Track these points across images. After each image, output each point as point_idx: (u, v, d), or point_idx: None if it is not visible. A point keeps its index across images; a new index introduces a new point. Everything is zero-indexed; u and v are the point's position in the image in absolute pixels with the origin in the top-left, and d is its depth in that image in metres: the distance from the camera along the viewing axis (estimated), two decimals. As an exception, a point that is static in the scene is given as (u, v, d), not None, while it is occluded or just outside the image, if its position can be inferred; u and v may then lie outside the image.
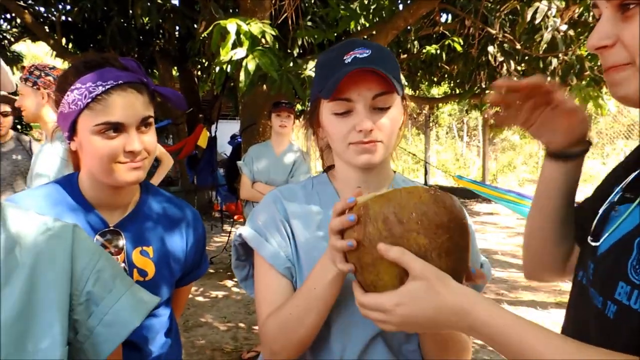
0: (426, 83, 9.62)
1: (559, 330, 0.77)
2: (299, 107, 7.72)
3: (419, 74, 8.19)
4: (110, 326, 0.84)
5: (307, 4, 5.27)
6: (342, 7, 4.30)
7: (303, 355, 1.00)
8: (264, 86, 3.97)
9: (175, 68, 8.88)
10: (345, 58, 0.92)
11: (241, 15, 3.73)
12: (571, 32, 4.40)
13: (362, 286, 0.79)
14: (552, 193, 0.89)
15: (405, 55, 6.80)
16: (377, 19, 4.90)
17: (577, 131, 0.82)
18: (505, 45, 4.96)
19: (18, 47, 9.90)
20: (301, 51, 5.29)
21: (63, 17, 6.96)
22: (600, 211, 0.79)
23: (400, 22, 4.54)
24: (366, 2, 4.66)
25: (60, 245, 0.81)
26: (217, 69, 3.23)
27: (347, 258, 0.79)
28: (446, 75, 8.21)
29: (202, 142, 6.50)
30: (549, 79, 0.77)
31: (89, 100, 1.01)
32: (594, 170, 10.89)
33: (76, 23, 6.85)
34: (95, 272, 0.84)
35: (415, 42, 6.44)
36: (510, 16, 5.15)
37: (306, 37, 4.64)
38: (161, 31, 7.52)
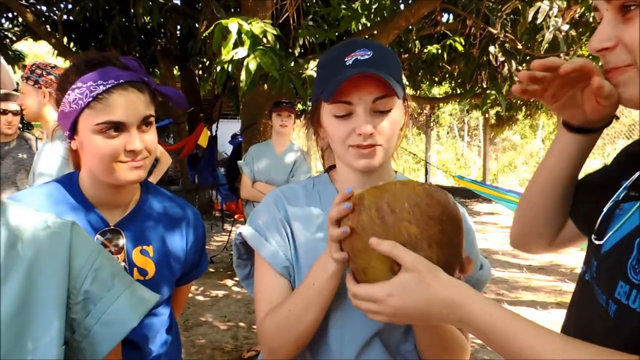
0: (427, 83, 9.62)
1: (559, 331, 0.77)
2: (300, 106, 7.72)
3: (420, 73, 8.19)
4: (108, 325, 0.83)
5: (308, 4, 5.26)
6: (344, 6, 4.30)
7: (302, 355, 1.00)
8: (265, 86, 3.97)
9: (177, 67, 8.88)
10: (346, 60, 0.92)
11: (242, 15, 3.73)
12: (573, 32, 4.39)
13: (354, 275, 0.81)
14: (561, 165, 0.88)
15: (407, 55, 6.79)
16: (379, 18, 4.89)
17: (606, 112, 0.79)
18: (507, 45, 4.95)
19: (20, 46, 9.91)
20: (302, 51, 5.29)
21: (65, 16, 6.97)
22: (605, 209, 0.78)
23: (401, 21, 4.54)
24: (367, 1, 4.65)
25: (58, 243, 0.81)
26: (218, 68, 3.23)
27: (342, 247, 0.82)
28: (447, 75, 8.20)
29: (203, 141, 6.51)
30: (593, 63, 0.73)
31: (90, 99, 1.01)
32: (595, 171, 10.86)
33: (78, 22, 6.86)
34: (93, 270, 0.83)
35: (417, 42, 6.44)
36: (511, 16, 5.14)
37: (307, 37, 4.64)
38: (162, 30, 7.52)
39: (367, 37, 5.10)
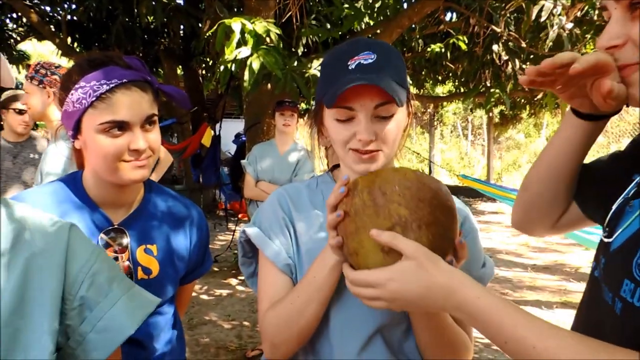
0: (431, 82, 9.59)
1: None
2: (303, 105, 7.72)
3: (423, 72, 8.17)
4: (104, 332, 0.80)
5: (311, 3, 5.26)
6: (347, 5, 4.30)
7: (304, 352, 1.00)
8: (269, 85, 3.97)
9: (180, 67, 8.89)
10: (349, 64, 0.90)
11: (245, 14, 3.73)
12: (577, 31, 4.37)
13: (347, 260, 0.84)
14: (566, 149, 0.88)
15: (410, 54, 6.78)
16: (382, 17, 4.89)
17: (614, 104, 0.77)
18: (510, 43, 4.93)
19: (24, 46, 9.94)
20: (305, 50, 5.28)
21: (68, 16, 6.99)
22: (615, 206, 0.78)
23: (404, 20, 4.53)
24: (370, 0, 4.65)
25: (54, 245, 0.78)
26: (222, 67, 3.23)
27: (338, 233, 0.84)
28: (451, 74, 8.18)
29: (207, 140, 6.50)
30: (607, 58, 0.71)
31: (94, 98, 1.01)
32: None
33: (81, 22, 6.88)
34: (90, 275, 0.81)
35: (420, 41, 6.42)
36: (515, 14, 5.12)
37: (310, 36, 4.63)
38: (166, 30, 7.53)
39: (370, 36, 5.10)
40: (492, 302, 0.70)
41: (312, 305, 0.92)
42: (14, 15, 7.55)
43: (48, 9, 7.05)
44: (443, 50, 5.56)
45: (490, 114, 12.76)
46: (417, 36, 5.98)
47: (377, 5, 4.67)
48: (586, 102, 0.81)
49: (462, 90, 8.35)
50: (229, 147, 9.25)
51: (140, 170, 1.08)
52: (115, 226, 1.14)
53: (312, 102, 1.41)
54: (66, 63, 7.02)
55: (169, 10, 5.73)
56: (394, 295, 0.74)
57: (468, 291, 0.72)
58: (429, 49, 5.79)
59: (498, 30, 4.59)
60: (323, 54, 4.22)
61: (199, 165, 7.23)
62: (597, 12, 4.39)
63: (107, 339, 0.80)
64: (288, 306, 0.94)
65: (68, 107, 1.05)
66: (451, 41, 5.22)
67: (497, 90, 5.03)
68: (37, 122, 3.98)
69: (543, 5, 3.79)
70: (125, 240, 1.14)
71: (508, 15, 4.70)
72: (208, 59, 7.78)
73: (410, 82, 8.18)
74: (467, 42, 5.20)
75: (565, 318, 4.15)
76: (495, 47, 4.99)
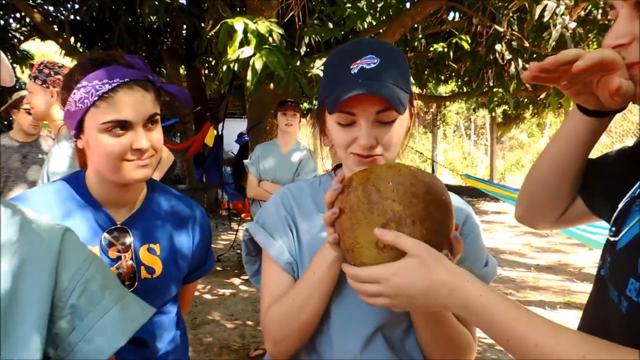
0: (433, 81, 9.58)
1: None
2: (306, 105, 7.73)
3: (426, 72, 8.16)
4: (94, 343, 0.77)
5: (314, 3, 5.27)
6: (349, 5, 4.30)
7: (307, 352, 1.00)
8: (271, 85, 3.98)
9: (183, 67, 8.91)
10: (352, 67, 0.89)
11: (248, 14, 3.73)
12: (580, 30, 4.36)
13: (345, 257, 0.84)
14: (571, 145, 0.88)
15: (413, 54, 6.78)
16: (384, 17, 4.88)
17: (620, 101, 0.76)
18: (513, 43, 4.92)
19: (27, 45, 9.97)
20: (308, 49, 5.29)
21: (72, 16, 7.01)
22: (621, 205, 0.78)
23: (407, 20, 4.53)
24: (373, 0, 4.65)
25: (46, 251, 0.76)
26: (225, 67, 3.23)
27: (335, 230, 0.85)
28: (453, 74, 8.17)
29: (209, 140, 6.51)
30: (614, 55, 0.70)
31: (96, 98, 1.01)
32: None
33: (84, 22, 6.90)
34: (82, 282, 0.78)
35: (423, 40, 6.42)
36: (518, 14, 5.11)
37: (313, 36, 4.64)
38: (169, 30, 7.55)
39: (372, 35, 5.09)
40: (496, 300, 0.70)
41: (312, 301, 0.93)
42: (18, 15, 7.58)
43: (51, 8, 7.07)
44: (446, 49, 5.55)
45: (493, 114, 12.73)
46: (420, 36, 5.98)
47: (379, 4, 4.67)
48: (592, 99, 0.80)
49: (464, 89, 8.33)
50: (231, 146, 9.25)
51: (143, 169, 1.08)
52: (119, 225, 1.14)
53: (315, 102, 1.41)
54: (69, 63, 7.04)
55: (172, 10, 5.75)
56: (396, 291, 0.75)
57: (471, 289, 0.72)
58: (431, 49, 5.79)
59: (501, 29, 4.58)
60: (326, 53, 4.22)
61: (201, 165, 7.24)
62: (600, 11, 4.38)
63: (97, 350, 0.77)
64: (289, 302, 0.95)
65: (70, 107, 1.05)
66: (454, 41, 5.22)
67: (500, 90, 5.02)
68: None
69: (546, 5, 3.78)
70: (129, 240, 1.14)
71: (511, 14, 4.69)
72: (211, 59, 7.80)
73: (413, 81, 8.16)
74: (469, 41, 5.19)
75: (569, 318, 4.14)
76: (498, 47, 4.98)
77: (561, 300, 4.71)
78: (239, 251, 6.22)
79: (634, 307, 0.65)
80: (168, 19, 5.88)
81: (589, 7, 4.29)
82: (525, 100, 8.63)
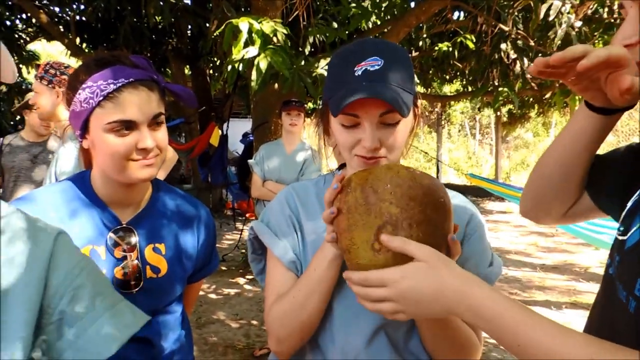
0: (438, 81, 9.57)
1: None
2: (310, 105, 7.72)
3: (431, 71, 8.15)
4: (82, 352, 0.75)
5: (318, 2, 5.27)
6: (354, 5, 4.29)
7: (312, 352, 1.00)
8: (276, 85, 3.98)
9: (188, 67, 8.93)
10: (356, 70, 0.89)
11: (253, 14, 3.74)
12: (585, 29, 4.34)
13: (343, 258, 0.85)
14: (578, 143, 0.87)
15: (417, 53, 6.77)
16: (389, 16, 4.88)
17: (629, 98, 0.75)
18: (519, 42, 4.90)
19: (33, 46, 10.02)
20: (313, 49, 5.29)
21: (77, 17, 7.05)
22: (629, 204, 0.77)
23: (412, 19, 4.52)
24: (378, 0, 4.64)
25: (37, 255, 0.74)
26: (229, 67, 3.24)
27: (333, 229, 0.85)
28: (458, 73, 8.16)
29: (214, 140, 6.53)
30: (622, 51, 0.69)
31: (101, 98, 1.01)
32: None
33: (90, 22, 6.93)
34: (72, 288, 0.76)
35: (427, 40, 6.41)
36: (523, 13, 5.09)
37: (318, 35, 4.64)
38: (173, 30, 7.57)
39: (377, 35, 5.09)
40: (506, 305, 0.69)
41: (312, 299, 0.93)
42: (24, 16, 7.62)
43: (57, 9, 7.11)
44: (451, 49, 5.54)
45: (499, 113, 12.70)
46: (425, 35, 5.96)
47: (384, 4, 4.66)
48: (599, 95, 0.79)
49: (469, 89, 8.32)
50: (236, 146, 9.28)
51: (148, 169, 1.08)
52: (124, 225, 1.14)
53: (320, 102, 1.41)
54: (75, 63, 7.07)
55: (177, 10, 5.76)
56: (403, 294, 0.73)
57: (479, 293, 0.71)
58: (436, 48, 5.78)
59: (506, 28, 4.57)
60: (330, 53, 4.22)
61: (206, 165, 7.27)
62: (606, 10, 4.36)
63: (85, 358, 0.75)
64: (291, 300, 0.95)
65: (75, 107, 1.06)
66: (459, 40, 5.21)
67: (505, 89, 5.01)
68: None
69: (552, 4, 3.76)
70: (134, 239, 1.14)
71: (516, 13, 4.68)
72: (216, 59, 7.82)
73: (418, 81, 8.15)
74: (474, 40, 5.18)
75: (575, 318, 4.13)
76: (503, 46, 4.96)
77: (567, 300, 4.69)
78: (243, 251, 6.23)
79: None
80: (173, 20, 5.89)
81: (595, 5, 4.27)
82: (531, 99, 8.61)
